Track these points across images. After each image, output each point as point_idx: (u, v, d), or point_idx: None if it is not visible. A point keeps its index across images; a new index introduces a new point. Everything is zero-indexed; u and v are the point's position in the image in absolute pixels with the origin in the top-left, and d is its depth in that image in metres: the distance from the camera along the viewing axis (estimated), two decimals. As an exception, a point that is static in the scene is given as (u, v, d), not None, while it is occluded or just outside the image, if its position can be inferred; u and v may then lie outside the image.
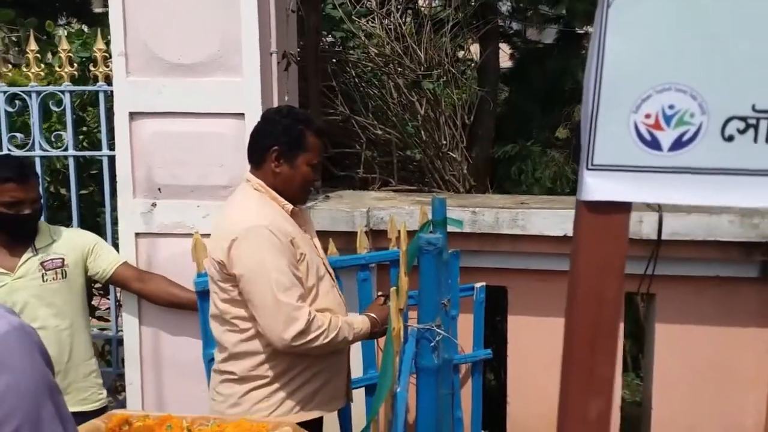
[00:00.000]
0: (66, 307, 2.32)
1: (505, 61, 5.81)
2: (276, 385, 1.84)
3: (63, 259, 2.33)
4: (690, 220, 2.58)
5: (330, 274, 2.00)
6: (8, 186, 2.15)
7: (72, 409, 1.78)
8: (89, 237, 2.49)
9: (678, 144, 0.89)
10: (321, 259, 1.97)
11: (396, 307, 1.62)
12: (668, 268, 2.69)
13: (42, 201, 2.35)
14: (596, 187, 0.90)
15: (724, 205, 0.89)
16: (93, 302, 3.45)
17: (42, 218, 2.40)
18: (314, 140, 1.87)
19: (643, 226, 2.62)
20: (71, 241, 2.39)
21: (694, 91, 0.88)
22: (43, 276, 2.26)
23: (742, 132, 0.87)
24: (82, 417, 1.79)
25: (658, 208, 2.66)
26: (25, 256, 2.26)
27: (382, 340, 2.20)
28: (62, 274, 2.32)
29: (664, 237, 2.59)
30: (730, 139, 0.88)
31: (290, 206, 1.88)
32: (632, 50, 0.87)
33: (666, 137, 0.89)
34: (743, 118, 0.88)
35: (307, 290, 1.84)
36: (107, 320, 3.64)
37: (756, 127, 0.87)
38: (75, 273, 2.37)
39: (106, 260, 2.44)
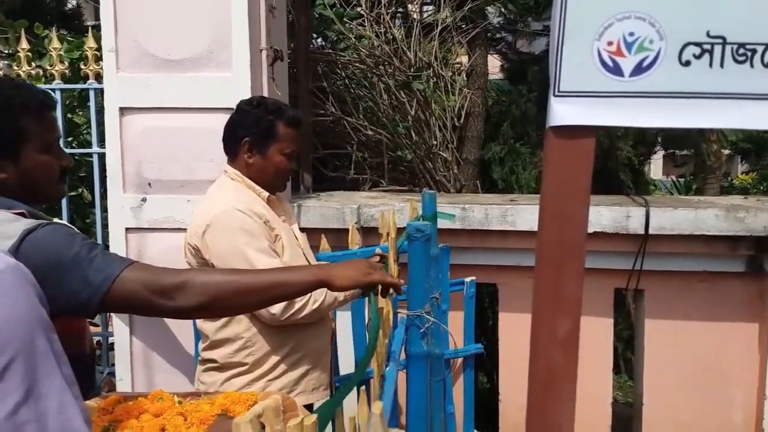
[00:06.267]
0: None
1: (495, 72, 5.87)
2: (256, 372, 1.85)
3: None
4: (677, 215, 2.61)
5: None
6: None
7: None
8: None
9: (638, 69, 0.94)
10: (301, 249, 1.98)
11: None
12: (656, 263, 2.71)
13: None
14: (562, 112, 0.93)
15: (682, 127, 0.93)
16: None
17: None
18: (286, 130, 1.88)
19: (630, 221, 2.65)
20: None
21: (652, 18, 0.92)
22: None
23: (697, 57, 0.91)
24: None
25: (645, 203, 2.69)
26: None
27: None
28: None
29: (651, 232, 2.62)
30: (687, 64, 0.92)
31: (266, 194, 1.91)
32: None
33: (627, 63, 0.93)
34: (698, 44, 0.92)
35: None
36: (96, 325, 3.62)
37: (710, 53, 0.91)
38: None
39: None
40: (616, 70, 0.93)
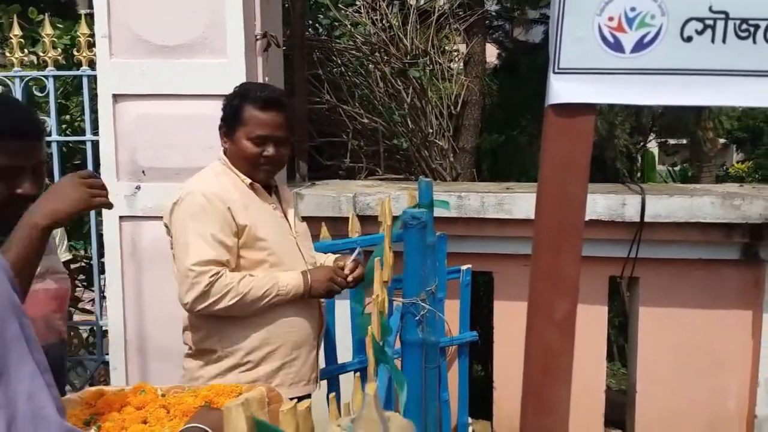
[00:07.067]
0: None
1: (492, 59, 5.84)
2: (228, 363, 1.80)
3: None
4: (672, 202, 2.61)
5: (303, 256, 1.93)
6: None
7: None
8: None
9: (639, 45, 0.92)
10: (294, 238, 1.92)
11: (380, 278, 1.63)
12: (651, 251, 2.72)
13: None
14: (562, 90, 0.92)
15: (683, 105, 0.91)
16: (76, 294, 3.43)
17: None
18: (253, 113, 1.79)
19: (626, 209, 2.65)
20: None
21: None
22: None
23: (700, 33, 0.90)
24: None
25: (641, 191, 2.69)
26: None
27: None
28: None
29: (646, 219, 2.62)
30: (689, 39, 0.91)
31: (248, 180, 1.84)
32: None
33: (628, 39, 0.92)
34: (701, 19, 0.90)
35: (254, 262, 1.80)
36: (91, 312, 3.62)
37: (713, 28, 0.90)
38: None
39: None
40: (616, 46, 0.92)
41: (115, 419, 1.20)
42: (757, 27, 0.88)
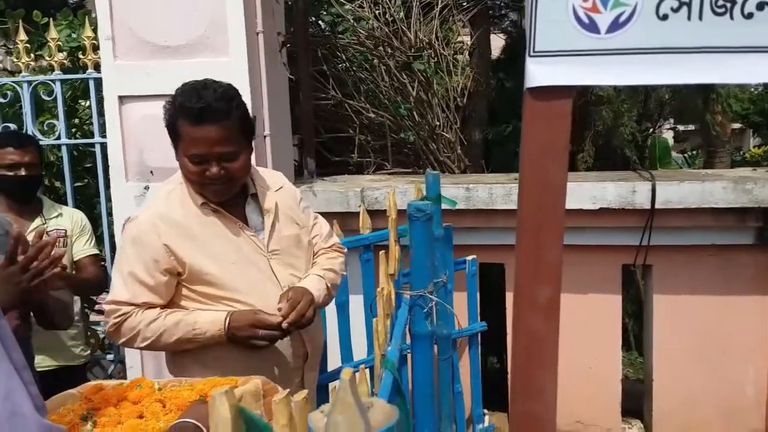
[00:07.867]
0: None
1: (498, 50, 5.79)
2: None
3: (66, 231, 2.49)
4: (683, 188, 2.58)
5: (278, 278, 1.66)
6: (6, 150, 2.32)
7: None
8: (85, 218, 2.63)
9: (615, 25, 0.91)
10: (266, 259, 1.65)
11: (386, 271, 1.63)
12: (664, 238, 2.68)
13: (42, 172, 2.49)
14: (538, 73, 0.91)
15: (660, 83, 0.90)
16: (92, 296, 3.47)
17: (44, 196, 2.60)
18: (185, 128, 1.52)
19: (636, 196, 2.62)
20: (73, 217, 2.56)
21: None
22: None
23: (675, 10, 0.89)
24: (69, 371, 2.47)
25: (651, 177, 2.66)
26: (34, 224, 2.40)
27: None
28: (63, 243, 2.46)
29: (657, 206, 2.59)
30: (665, 18, 0.90)
31: (200, 201, 1.61)
32: None
33: (603, 19, 0.91)
34: None
35: (208, 296, 1.61)
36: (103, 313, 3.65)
37: (689, 5, 0.89)
38: (71, 245, 2.54)
39: (81, 244, 2.55)
40: (592, 26, 0.91)
41: (112, 414, 1.21)
42: (733, 3, 0.87)
